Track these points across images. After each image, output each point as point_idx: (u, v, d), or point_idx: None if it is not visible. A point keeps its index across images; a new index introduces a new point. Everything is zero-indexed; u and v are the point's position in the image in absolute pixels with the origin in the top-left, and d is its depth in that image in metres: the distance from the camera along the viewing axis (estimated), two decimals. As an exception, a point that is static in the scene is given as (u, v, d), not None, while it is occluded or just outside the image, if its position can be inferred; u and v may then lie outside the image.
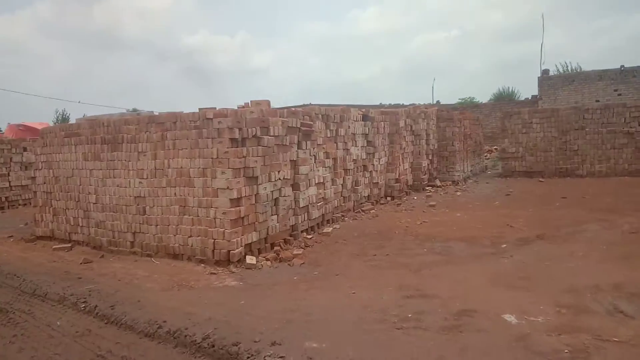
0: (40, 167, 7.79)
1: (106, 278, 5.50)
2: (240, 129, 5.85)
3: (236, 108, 6.72)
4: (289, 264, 5.81)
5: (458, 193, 10.55)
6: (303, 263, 5.80)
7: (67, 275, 5.67)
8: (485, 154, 16.45)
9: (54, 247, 7.12)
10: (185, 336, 3.66)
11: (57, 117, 60.32)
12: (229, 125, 5.74)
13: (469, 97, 33.98)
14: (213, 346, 3.46)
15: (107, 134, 6.87)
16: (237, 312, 4.17)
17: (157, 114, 7.98)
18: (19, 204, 12.09)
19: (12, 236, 8.30)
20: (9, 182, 11.95)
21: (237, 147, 5.84)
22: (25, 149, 12.28)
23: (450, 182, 11.81)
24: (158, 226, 6.32)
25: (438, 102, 29.49)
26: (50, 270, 5.93)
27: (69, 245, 7.17)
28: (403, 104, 25.92)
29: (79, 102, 47.53)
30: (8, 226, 9.37)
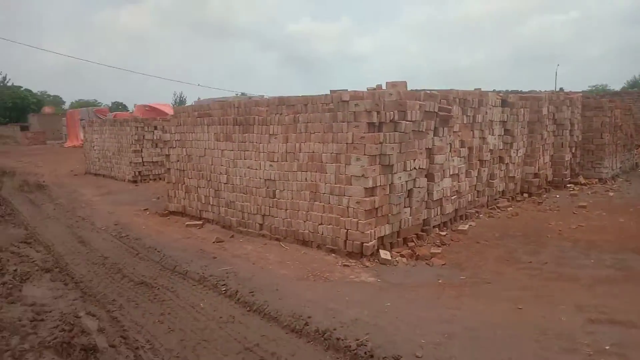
0: (174, 146, 8.11)
1: (240, 260, 5.46)
2: (378, 113, 5.39)
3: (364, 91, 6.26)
4: (427, 263, 5.28)
5: (611, 193, 9.07)
6: (444, 264, 5.22)
7: (202, 253, 5.74)
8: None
9: (187, 223, 7.37)
10: (338, 339, 3.33)
11: (175, 98, 65.76)
12: (367, 108, 5.30)
13: (601, 85, 30.06)
14: (372, 356, 3.07)
15: (238, 115, 6.86)
16: (385, 316, 3.76)
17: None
18: (150, 179, 13.03)
19: (147, 209, 8.83)
20: (142, 158, 12.92)
21: (374, 132, 5.40)
22: (155, 128, 13.17)
23: (596, 180, 10.25)
24: (287, 210, 6.16)
25: (561, 89, 26.45)
26: (185, 247, 6.07)
27: (200, 222, 7.37)
28: (521, 91, 23.60)
29: (198, 84, 51.08)
30: (142, 199, 10.03)
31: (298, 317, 3.74)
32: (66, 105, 54.48)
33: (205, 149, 7.40)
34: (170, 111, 25.23)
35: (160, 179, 13.09)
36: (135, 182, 12.65)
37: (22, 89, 46.56)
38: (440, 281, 4.74)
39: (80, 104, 50.08)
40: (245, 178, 6.73)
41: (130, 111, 41.81)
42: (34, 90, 49.70)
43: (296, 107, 6.14)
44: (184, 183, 7.95)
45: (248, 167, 6.67)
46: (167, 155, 8.34)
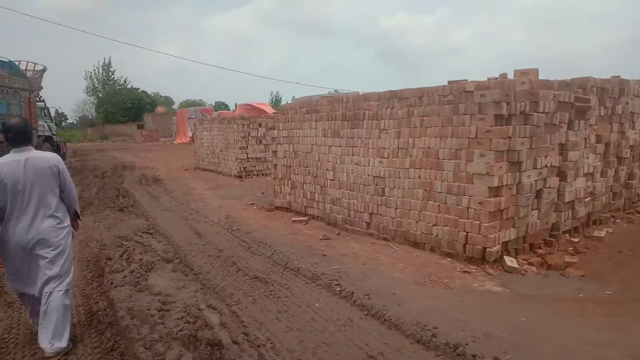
0: (281, 142, 8.20)
1: (349, 259, 5.27)
2: (507, 104, 4.85)
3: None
4: (561, 274, 4.65)
5: None
6: (583, 275, 4.56)
7: (311, 250, 5.66)
8: None
9: (292, 219, 7.39)
10: (474, 356, 2.96)
11: (272, 97, 68.45)
12: (495, 99, 4.79)
13: None
14: (519, 382, 2.68)
15: (347, 110, 6.68)
16: (522, 333, 3.31)
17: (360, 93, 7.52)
18: (254, 174, 13.50)
19: (253, 204, 9.07)
20: (247, 154, 13.41)
21: (502, 125, 4.87)
22: (260, 125, 13.60)
23: None
24: (398, 210, 5.85)
25: None
26: (294, 243, 6.05)
27: (305, 218, 7.35)
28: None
29: (297, 82, 52.68)
30: (248, 194, 10.36)
31: (423, 326, 3.42)
32: (175, 105, 59.26)
33: (312, 145, 7.35)
34: (269, 110, 26.17)
35: (263, 174, 13.52)
36: (240, 177, 13.17)
37: (139, 90, 51.50)
38: (581, 296, 4.12)
39: (187, 104, 54.14)
40: (352, 175, 6.55)
41: (232, 110, 44.32)
42: (149, 92, 54.71)
43: (409, 100, 5.79)
44: (290, 179, 8.00)
45: (356, 164, 6.48)
46: (274, 152, 8.46)
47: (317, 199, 7.32)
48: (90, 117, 56.68)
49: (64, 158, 20.42)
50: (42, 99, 19.05)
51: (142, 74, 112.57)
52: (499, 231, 4.96)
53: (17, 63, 17.67)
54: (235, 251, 5.76)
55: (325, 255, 5.42)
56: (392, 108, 6.00)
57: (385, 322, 3.60)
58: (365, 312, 3.81)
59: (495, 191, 4.90)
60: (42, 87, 18.70)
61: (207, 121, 15.54)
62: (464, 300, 4.00)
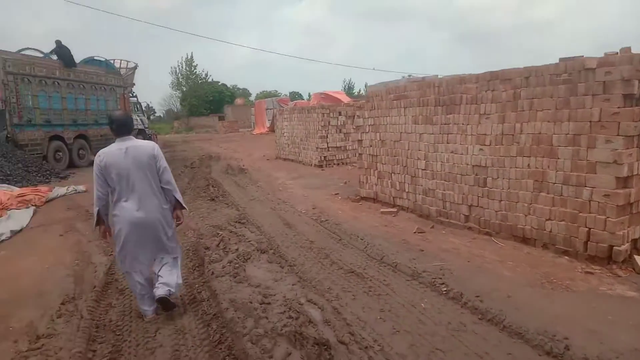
0: (367, 130, 7.94)
1: (450, 255, 4.93)
2: (639, 82, 4.19)
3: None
4: None
5: None
6: None
7: (406, 244, 5.39)
8: None
9: (381, 210, 7.14)
10: (625, 378, 2.55)
11: (344, 85, 68.14)
12: (624, 77, 4.15)
13: None
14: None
15: (440, 94, 6.25)
16: (680, 351, 2.81)
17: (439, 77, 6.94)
18: (334, 164, 13.39)
19: (337, 194, 8.94)
20: (327, 143, 13.32)
21: (632, 106, 4.22)
22: (340, 113, 13.43)
23: None
24: (502, 202, 5.37)
25: None
26: (386, 236, 5.81)
27: (394, 210, 7.07)
28: None
29: (373, 69, 52.07)
30: (331, 184, 10.26)
31: (551, 336, 3.04)
32: (252, 97, 61.14)
33: (402, 132, 7.02)
34: (344, 98, 25.96)
35: (343, 163, 13.38)
36: (321, 166, 13.14)
37: (219, 83, 53.79)
38: None
39: (264, 95, 55.61)
40: (447, 164, 6.13)
41: (306, 99, 44.77)
42: (228, 85, 56.93)
43: (514, 81, 5.25)
44: (377, 169, 7.74)
45: (452, 152, 6.05)
46: (359, 141, 8.23)
47: (407, 190, 6.99)
48: (175, 110, 60.26)
49: (155, 150, 21.86)
50: (134, 94, 20.42)
51: (221, 67, 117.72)
52: (628, 227, 4.34)
53: (112, 62, 19.05)
54: (327, 243, 5.64)
55: (422, 250, 5.12)
56: (493, 90, 5.49)
57: (504, 329, 3.25)
58: (479, 316, 3.48)
59: (624, 182, 4.29)
60: (134, 84, 20.05)
61: (287, 111, 15.67)
62: (594, 306, 3.52)
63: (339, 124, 13.34)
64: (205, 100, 50.10)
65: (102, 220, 3.67)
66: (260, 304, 3.83)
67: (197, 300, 4.06)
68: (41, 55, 15.00)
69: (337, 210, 7.48)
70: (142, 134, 20.77)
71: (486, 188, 5.56)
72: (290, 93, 63.06)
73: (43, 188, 10.03)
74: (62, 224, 7.45)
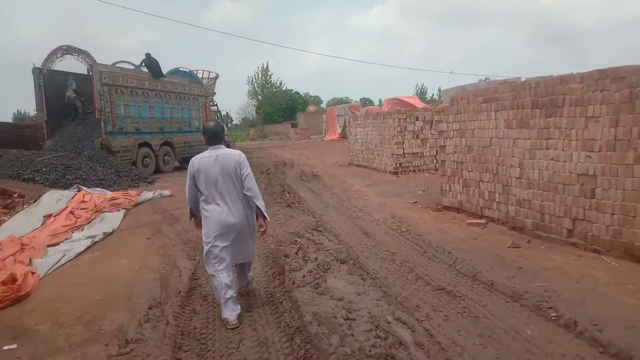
0: (451, 135, 7.48)
1: (555, 275, 4.39)
2: None
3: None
4: None
5: None
6: None
7: (501, 260, 4.91)
8: None
9: (468, 221, 6.65)
10: None
11: (417, 90, 66.69)
12: None
13: None
14: None
15: (537, 96, 5.68)
16: None
17: (524, 79, 6.23)
18: (410, 170, 12.92)
19: (416, 202, 8.53)
20: (403, 149, 12.90)
21: None
22: (417, 118, 12.96)
23: None
24: (615, 215, 4.72)
25: None
26: (476, 250, 5.35)
27: (483, 221, 6.55)
28: None
29: (450, 72, 50.62)
30: (407, 192, 9.85)
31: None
32: (323, 104, 61.79)
33: (491, 138, 6.49)
34: (418, 103, 25.22)
35: (420, 170, 12.88)
36: (396, 173, 12.73)
37: (292, 91, 54.96)
38: None
39: (335, 102, 55.93)
40: (547, 172, 5.54)
41: (377, 105, 44.32)
42: (301, 92, 58.01)
43: (629, 79, 4.61)
44: (462, 176, 7.25)
45: (552, 159, 5.46)
46: (442, 147, 7.78)
47: (497, 200, 6.44)
48: (251, 118, 62.50)
49: (232, 156, 22.62)
50: (215, 103, 21.32)
51: (293, 75, 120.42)
52: None
53: (195, 72, 20.04)
54: (410, 255, 5.31)
55: (521, 268, 4.62)
56: (603, 90, 4.86)
57: (635, 369, 2.75)
58: (600, 350, 3.00)
59: None
60: (215, 93, 20.93)
61: (361, 117, 15.44)
62: None
63: (416, 129, 12.87)
64: (279, 108, 51.42)
65: (194, 215, 4.09)
66: (345, 320, 3.61)
67: (279, 312, 3.94)
68: (132, 67, 16.09)
69: (418, 220, 7.10)
70: (220, 141, 21.60)
71: (595, 200, 4.93)
72: (360, 99, 62.90)
73: (132, 192, 10.65)
74: (149, 227, 7.80)
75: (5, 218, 8.40)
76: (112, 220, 8.29)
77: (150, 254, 6.06)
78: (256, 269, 5.05)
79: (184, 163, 18.36)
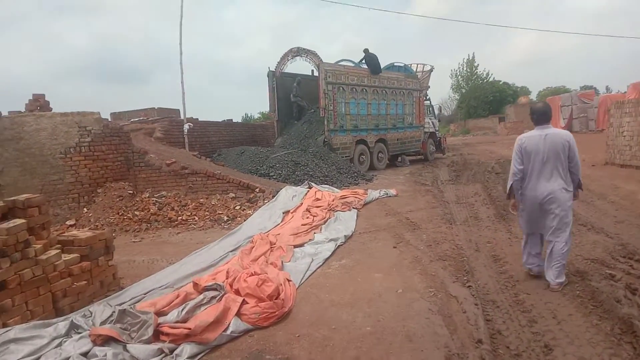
0: None
1: None
2: None
3: None
4: None
5: None
6: None
7: None
8: None
9: None
10: None
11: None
12: None
13: None
14: None
15: None
16: None
17: None
18: None
19: None
20: None
21: None
22: None
23: None
24: None
25: None
26: None
27: None
28: None
29: None
30: None
31: None
32: (532, 95, 54.33)
33: None
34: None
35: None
36: None
37: (500, 82, 49.89)
38: None
39: (551, 92, 48.62)
40: None
41: (618, 92, 36.58)
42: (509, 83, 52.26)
43: None
44: None
45: None
46: None
47: None
48: (447, 114, 59.32)
49: (443, 153, 21.04)
50: (428, 97, 20.06)
51: (495, 65, 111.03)
52: None
53: (409, 66, 19.11)
54: None
55: None
56: None
57: None
58: None
59: None
60: (429, 87, 19.67)
61: (630, 104, 12.04)
62: None
63: None
64: (484, 101, 47.22)
65: (513, 194, 4.37)
66: None
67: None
68: (352, 65, 16.02)
69: None
70: (432, 137, 20.30)
71: None
72: (580, 88, 53.29)
73: (360, 191, 10.18)
74: (387, 231, 6.98)
75: (249, 212, 8.74)
76: (347, 220, 7.79)
77: (405, 269, 5.10)
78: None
79: (393, 160, 17.68)
